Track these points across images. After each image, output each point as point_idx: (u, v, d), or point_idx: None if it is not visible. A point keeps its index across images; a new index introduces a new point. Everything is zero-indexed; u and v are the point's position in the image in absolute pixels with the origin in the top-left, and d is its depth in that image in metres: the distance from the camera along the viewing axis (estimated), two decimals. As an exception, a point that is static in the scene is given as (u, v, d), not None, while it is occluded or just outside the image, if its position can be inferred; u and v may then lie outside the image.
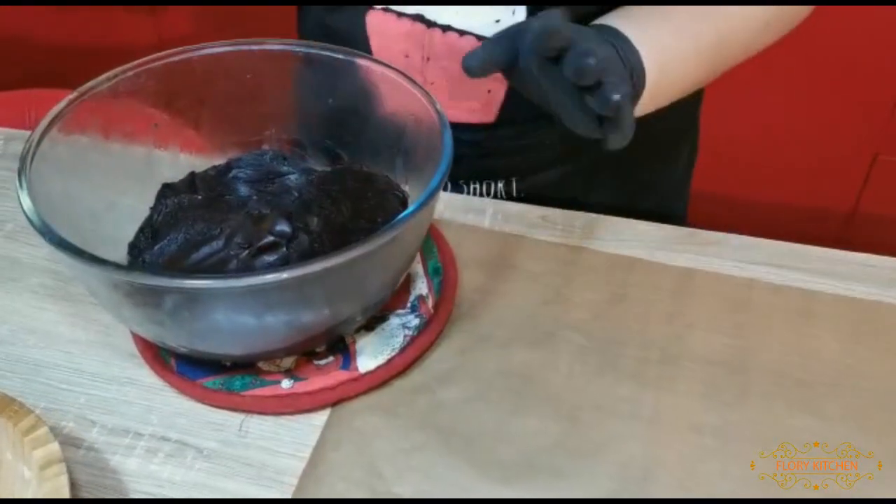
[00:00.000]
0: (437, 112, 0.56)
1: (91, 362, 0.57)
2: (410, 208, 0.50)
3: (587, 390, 0.55)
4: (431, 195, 0.51)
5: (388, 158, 0.62)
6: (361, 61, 0.61)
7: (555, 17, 0.54)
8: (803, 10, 0.66)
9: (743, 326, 0.59)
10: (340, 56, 0.61)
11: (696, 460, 0.51)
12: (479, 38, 0.66)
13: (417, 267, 0.62)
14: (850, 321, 0.59)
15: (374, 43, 0.69)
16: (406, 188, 0.61)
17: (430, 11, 0.66)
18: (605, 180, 0.76)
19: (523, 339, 0.58)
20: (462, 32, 0.66)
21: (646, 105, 0.59)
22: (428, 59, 0.68)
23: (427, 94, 0.57)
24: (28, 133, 0.56)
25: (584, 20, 0.60)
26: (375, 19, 0.68)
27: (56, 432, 0.49)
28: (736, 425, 0.53)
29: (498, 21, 0.65)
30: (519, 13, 0.64)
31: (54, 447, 0.45)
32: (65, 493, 0.43)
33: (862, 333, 0.59)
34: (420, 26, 0.67)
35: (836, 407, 0.54)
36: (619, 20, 0.58)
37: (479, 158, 0.73)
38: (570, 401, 0.55)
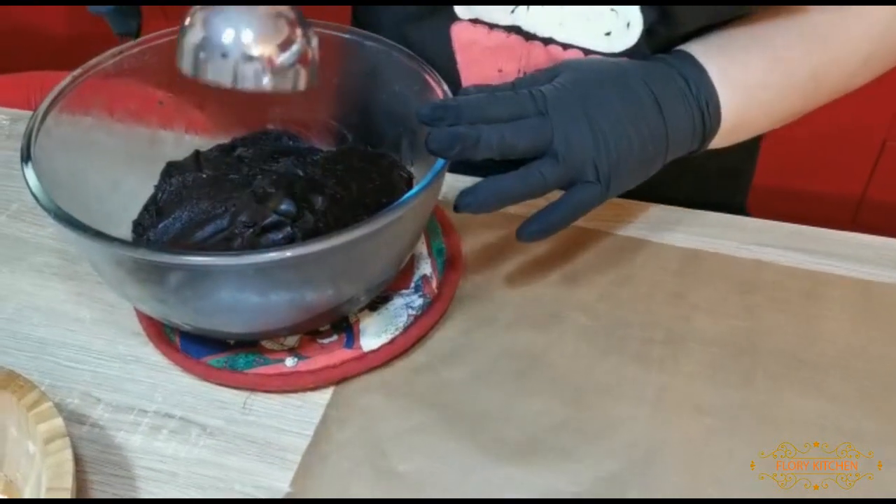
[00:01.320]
0: (445, 93, 0.56)
1: (96, 340, 0.58)
2: (416, 189, 0.49)
3: (592, 371, 0.55)
4: (437, 176, 0.50)
5: (394, 139, 0.62)
6: (367, 41, 0.60)
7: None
8: None
9: (750, 308, 0.59)
10: (346, 35, 0.61)
11: (701, 442, 0.51)
12: (585, 51, 0.61)
13: (422, 247, 0.61)
14: (860, 303, 0.59)
15: (462, 58, 0.65)
16: (412, 169, 0.61)
17: (528, 23, 0.61)
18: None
19: (528, 320, 0.58)
20: (566, 46, 0.61)
21: (720, 141, 0.59)
22: (525, 73, 0.63)
23: (435, 73, 0.57)
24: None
25: (682, 40, 0.59)
26: (463, 32, 0.63)
27: (61, 409, 0.49)
28: (742, 407, 0.53)
29: (609, 34, 0.59)
30: (634, 25, 0.59)
31: (58, 422, 0.45)
32: (69, 468, 0.43)
33: (871, 315, 0.58)
34: (516, 38, 0.62)
35: (844, 389, 0.54)
36: (708, 53, 0.57)
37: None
38: (575, 382, 0.54)
